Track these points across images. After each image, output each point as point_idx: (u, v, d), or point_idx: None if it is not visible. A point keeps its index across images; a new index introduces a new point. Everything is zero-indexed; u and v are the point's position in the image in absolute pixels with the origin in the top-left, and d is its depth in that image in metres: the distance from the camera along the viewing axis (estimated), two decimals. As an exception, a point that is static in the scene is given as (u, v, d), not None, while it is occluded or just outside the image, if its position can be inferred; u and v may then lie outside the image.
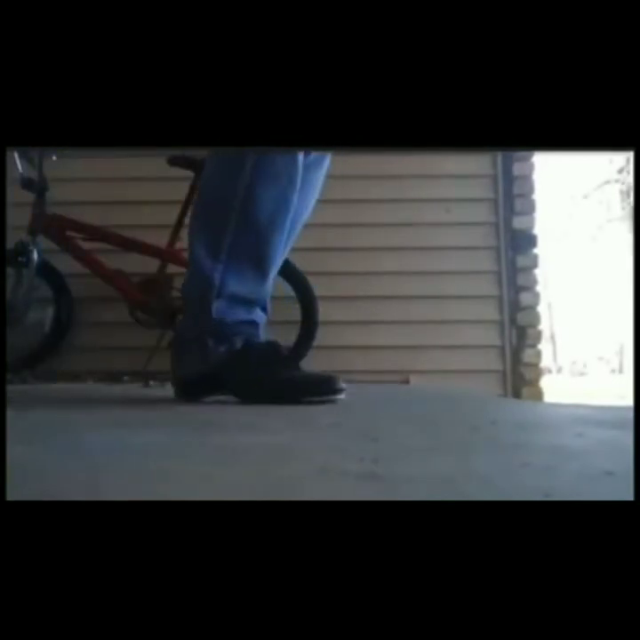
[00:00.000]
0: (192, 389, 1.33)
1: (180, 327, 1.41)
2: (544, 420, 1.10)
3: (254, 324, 1.33)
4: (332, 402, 1.22)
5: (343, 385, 1.24)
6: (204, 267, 1.29)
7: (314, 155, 1.44)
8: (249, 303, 1.32)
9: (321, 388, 1.23)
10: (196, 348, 1.30)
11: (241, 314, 1.31)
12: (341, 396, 1.24)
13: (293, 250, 1.65)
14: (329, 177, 1.58)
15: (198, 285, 1.31)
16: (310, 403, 1.20)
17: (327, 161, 1.51)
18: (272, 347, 1.30)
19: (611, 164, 14.77)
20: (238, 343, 1.29)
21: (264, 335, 1.53)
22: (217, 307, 1.28)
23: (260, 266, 1.32)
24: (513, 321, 3.03)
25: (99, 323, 2.96)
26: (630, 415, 1.06)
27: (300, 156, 1.31)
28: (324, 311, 2.76)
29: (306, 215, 1.51)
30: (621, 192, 14.74)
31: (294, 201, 1.32)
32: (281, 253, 1.36)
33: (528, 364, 3.01)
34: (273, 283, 1.49)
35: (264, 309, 1.48)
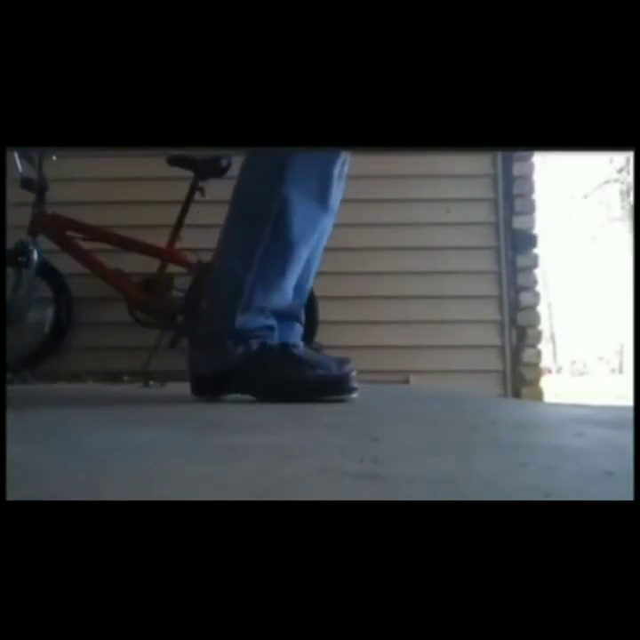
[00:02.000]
0: (209, 387, 1.37)
1: (200, 326, 1.44)
2: (544, 420, 1.10)
3: (271, 328, 1.38)
4: (345, 401, 1.28)
5: (356, 384, 1.30)
6: (235, 274, 1.34)
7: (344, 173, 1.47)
8: (270, 312, 1.38)
9: (334, 389, 1.29)
10: (215, 347, 1.34)
11: (261, 321, 1.37)
12: (354, 396, 1.30)
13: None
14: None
15: (227, 291, 1.36)
16: (324, 401, 1.26)
17: (342, 181, 1.52)
18: (286, 348, 1.35)
19: (611, 164, 14.77)
20: (254, 345, 1.34)
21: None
22: (241, 318, 1.33)
23: (285, 279, 1.37)
24: (513, 321, 3.03)
25: (99, 323, 2.97)
26: (630, 415, 1.06)
27: (335, 178, 1.37)
28: (323, 311, 2.76)
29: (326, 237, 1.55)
30: (621, 192, 14.74)
31: (323, 220, 1.39)
32: (301, 267, 1.42)
33: (528, 364, 3.01)
34: (306, 294, 1.54)
35: (300, 321, 1.54)
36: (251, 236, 1.34)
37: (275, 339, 1.38)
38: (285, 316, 1.49)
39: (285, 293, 1.39)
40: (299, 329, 1.58)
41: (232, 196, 1.40)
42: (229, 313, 1.34)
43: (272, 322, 1.38)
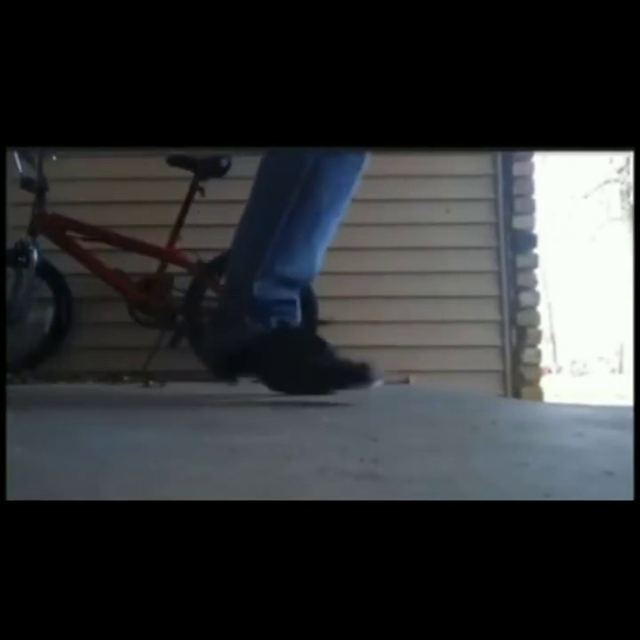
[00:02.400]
0: (227, 367, 1.31)
1: (219, 306, 1.39)
2: (544, 420, 1.10)
3: (293, 303, 1.30)
4: (368, 390, 1.16)
5: (380, 372, 1.18)
6: (254, 242, 1.27)
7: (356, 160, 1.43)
8: (292, 283, 1.30)
9: (356, 377, 1.17)
10: (233, 325, 1.28)
11: (282, 293, 1.28)
12: (378, 384, 1.17)
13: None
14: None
15: (247, 258, 1.29)
16: (343, 389, 1.16)
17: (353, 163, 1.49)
18: (306, 332, 1.29)
19: (611, 164, 14.78)
20: (274, 323, 1.26)
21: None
22: (260, 285, 1.25)
23: (311, 247, 1.28)
24: (513, 321, 3.03)
25: (99, 323, 2.97)
26: (630, 415, 1.06)
27: (367, 153, 1.30)
28: (324, 311, 2.76)
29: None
30: (621, 192, 14.74)
31: (354, 189, 1.31)
32: (330, 238, 1.33)
33: (528, 363, 3.01)
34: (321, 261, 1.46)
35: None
36: (275, 205, 1.26)
37: (296, 316, 1.30)
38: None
39: (311, 264, 1.30)
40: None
41: (257, 174, 1.32)
42: (247, 283, 1.25)
43: (294, 295, 1.30)
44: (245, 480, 0.51)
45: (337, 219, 1.31)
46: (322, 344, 1.24)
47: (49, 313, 2.83)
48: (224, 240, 1.58)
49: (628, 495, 0.43)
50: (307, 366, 1.19)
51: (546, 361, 3.40)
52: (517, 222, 3.07)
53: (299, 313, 1.31)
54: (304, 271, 1.30)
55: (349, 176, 1.29)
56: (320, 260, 1.32)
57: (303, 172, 1.24)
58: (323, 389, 1.17)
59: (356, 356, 1.20)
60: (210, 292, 2.66)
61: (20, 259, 2.62)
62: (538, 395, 3.00)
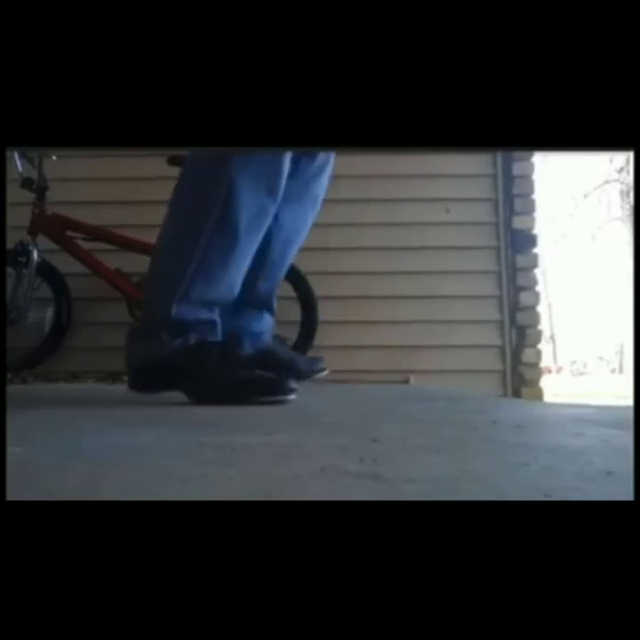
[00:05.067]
0: (143, 380, 1.33)
1: (137, 317, 1.42)
2: (544, 420, 1.10)
3: (213, 323, 1.34)
4: (283, 402, 1.22)
5: (294, 385, 1.25)
6: (174, 264, 1.30)
7: (313, 166, 1.47)
8: (211, 305, 1.33)
9: (269, 389, 1.24)
10: (150, 339, 1.30)
11: (201, 314, 1.32)
12: (292, 397, 1.24)
13: (293, 249, 1.67)
14: (329, 177, 1.59)
15: (166, 281, 1.32)
16: (260, 403, 1.20)
17: (327, 173, 1.54)
18: (225, 346, 1.32)
19: (611, 164, 14.77)
20: (192, 339, 1.29)
21: (270, 336, 1.59)
22: (178, 308, 1.29)
23: (229, 271, 1.33)
24: (513, 321, 3.03)
25: (99, 323, 2.96)
26: (630, 415, 1.06)
27: (285, 168, 1.33)
28: (323, 311, 2.76)
29: (306, 228, 1.54)
30: (621, 192, 14.73)
31: (273, 211, 1.34)
32: (249, 259, 1.37)
33: (528, 363, 3.00)
34: (275, 284, 1.53)
35: (270, 311, 1.53)
36: (193, 226, 1.29)
37: (217, 335, 1.33)
38: (253, 306, 1.49)
39: (230, 286, 1.34)
40: (268, 319, 1.59)
41: (174, 189, 1.35)
42: (166, 302, 1.29)
43: (214, 316, 1.33)
44: (245, 480, 0.51)
45: (256, 239, 1.35)
46: (237, 359, 1.31)
47: (49, 313, 2.83)
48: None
49: (628, 495, 0.43)
50: (224, 381, 1.24)
51: (546, 361, 3.40)
52: (517, 222, 3.07)
53: (218, 331, 1.34)
54: (223, 293, 1.34)
55: (265, 199, 1.32)
56: (239, 281, 1.36)
57: (219, 195, 1.27)
58: (238, 401, 1.20)
59: (268, 373, 1.28)
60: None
61: (19, 259, 2.62)
62: (538, 395, 2.99)
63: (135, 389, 1.34)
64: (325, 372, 1.72)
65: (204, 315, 1.32)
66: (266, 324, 1.59)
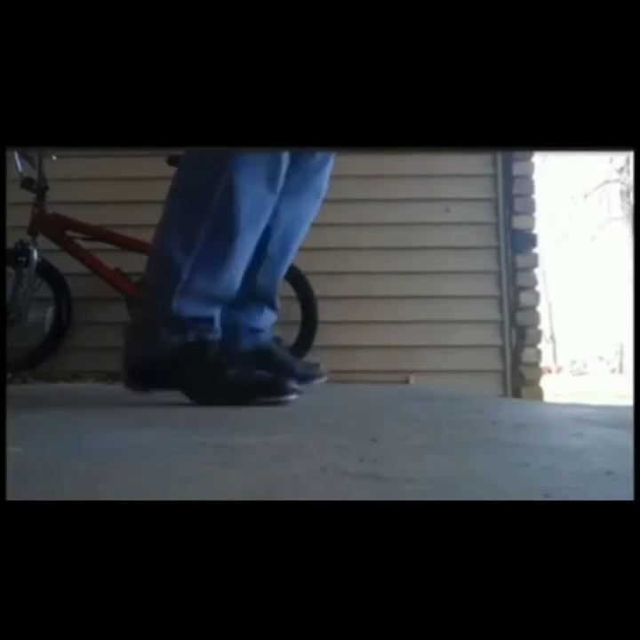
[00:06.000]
0: (139, 378, 1.30)
1: (136, 314, 1.40)
2: (544, 420, 1.10)
3: (211, 320, 1.31)
4: (283, 403, 1.20)
5: (294, 385, 1.23)
6: (173, 258, 1.28)
7: (313, 161, 1.46)
8: (212, 301, 1.31)
9: (270, 390, 1.22)
10: (148, 334, 1.28)
11: (200, 310, 1.29)
12: (293, 397, 1.22)
13: (293, 249, 1.66)
14: (329, 177, 1.59)
15: (165, 275, 1.30)
16: (260, 404, 1.18)
17: (328, 168, 1.53)
18: (223, 345, 1.29)
19: (611, 164, 14.77)
20: (191, 337, 1.27)
21: (271, 333, 1.58)
22: (178, 302, 1.26)
23: (229, 265, 1.31)
24: (513, 321, 3.03)
25: (98, 323, 2.96)
26: (630, 415, 1.06)
27: (285, 160, 1.32)
28: (323, 311, 2.76)
29: (307, 223, 1.53)
30: (621, 192, 14.72)
31: (273, 202, 1.33)
32: (250, 254, 1.35)
33: (528, 363, 3.00)
34: (276, 279, 1.52)
35: (271, 306, 1.52)
36: (192, 220, 1.28)
37: (216, 331, 1.31)
38: (253, 300, 1.48)
39: (230, 281, 1.32)
40: (269, 314, 1.58)
41: (171, 187, 1.34)
42: (166, 297, 1.26)
43: (213, 313, 1.31)
44: (245, 480, 0.51)
45: (256, 234, 1.33)
46: (237, 358, 1.28)
47: (49, 313, 2.83)
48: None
49: (628, 495, 0.43)
50: (222, 379, 1.22)
51: (546, 361, 3.40)
52: (517, 222, 3.07)
53: (218, 328, 1.32)
54: (224, 289, 1.32)
55: (264, 191, 1.30)
56: (239, 276, 1.34)
57: (219, 189, 1.26)
58: (237, 401, 1.19)
59: (267, 373, 1.27)
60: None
61: (19, 259, 2.62)
62: (538, 395, 3.00)
63: (131, 388, 1.31)
64: (323, 379, 1.70)
65: (203, 311, 1.30)
66: (266, 320, 1.58)
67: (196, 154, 1.31)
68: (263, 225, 1.34)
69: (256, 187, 1.28)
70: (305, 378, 1.61)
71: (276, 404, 1.20)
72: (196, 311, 1.29)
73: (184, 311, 1.27)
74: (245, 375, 1.24)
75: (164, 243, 1.32)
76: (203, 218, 1.27)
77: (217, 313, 1.33)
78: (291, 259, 1.61)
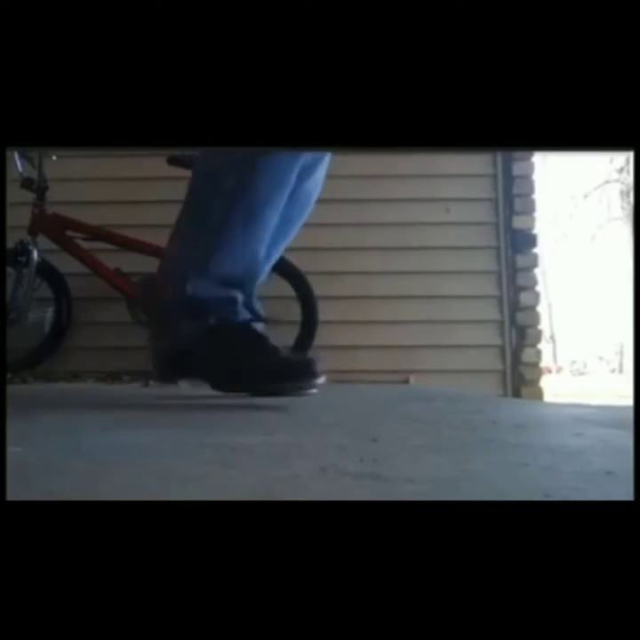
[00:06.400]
0: (167, 369, 1.26)
1: (157, 309, 1.34)
2: (544, 420, 1.10)
3: (232, 300, 1.24)
4: (308, 392, 1.14)
5: (320, 369, 1.16)
6: (191, 238, 1.23)
7: (309, 159, 1.45)
8: (231, 282, 1.25)
9: (296, 374, 1.14)
10: (170, 325, 1.24)
11: (220, 292, 1.23)
12: (321, 380, 1.15)
13: (293, 249, 1.67)
14: (329, 177, 1.58)
15: (182, 258, 1.25)
16: (294, 393, 1.13)
17: (320, 170, 1.52)
18: (246, 327, 1.23)
19: (611, 164, 14.76)
20: (212, 320, 1.21)
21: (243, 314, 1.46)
22: (194, 284, 1.21)
23: (249, 244, 1.24)
24: (513, 321, 3.03)
25: (98, 323, 2.96)
26: (630, 415, 1.06)
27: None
28: (323, 311, 2.76)
29: (294, 226, 1.50)
30: (621, 192, 14.72)
31: (292, 182, 1.26)
32: (271, 236, 1.28)
33: (528, 363, 3.00)
34: (268, 262, 1.45)
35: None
36: (210, 197, 1.22)
37: (238, 313, 1.24)
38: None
39: (252, 261, 1.24)
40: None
41: (192, 173, 1.28)
42: (184, 280, 1.21)
43: (234, 293, 1.24)
44: (245, 480, 0.51)
45: (276, 212, 1.25)
46: (263, 341, 1.19)
47: (49, 313, 2.83)
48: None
49: (628, 495, 0.43)
50: (249, 364, 1.15)
51: (546, 361, 3.40)
52: (517, 222, 3.07)
53: (241, 310, 1.24)
54: (243, 269, 1.25)
55: (286, 168, 1.23)
56: (263, 258, 1.27)
57: (238, 169, 1.20)
58: (265, 389, 1.13)
59: (296, 355, 1.18)
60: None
61: (19, 259, 2.62)
62: (538, 395, 3.00)
63: (162, 381, 1.28)
64: (322, 379, 1.68)
65: (223, 293, 1.23)
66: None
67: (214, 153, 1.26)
68: (282, 204, 1.26)
69: (276, 163, 1.22)
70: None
71: (307, 392, 1.13)
72: (214, 293, 1.22)
73: (200, 293, 1.21)
74: (272, 359, 1.16)
75: (181, 228, 1.26)
76: (219, 199, 1.20)
77: (238, 294, 1.25)
78: (275, 259, 1.57)
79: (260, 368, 1.14)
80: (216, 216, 1.20)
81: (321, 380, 1.15)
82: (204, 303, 1.21)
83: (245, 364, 1.16)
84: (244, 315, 1.25)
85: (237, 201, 1.20)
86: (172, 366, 1.25)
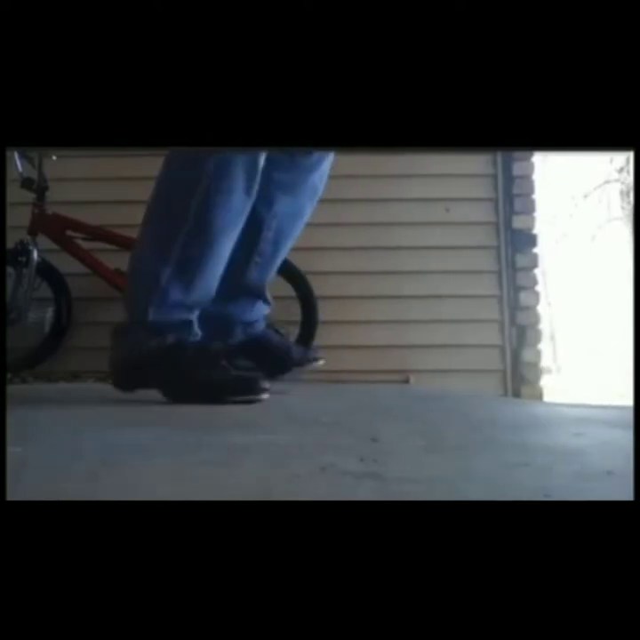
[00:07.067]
0: (124, 378, 1.37)
1: (120, 327, 1.43)
2: (544, 420, 1.10)
3: (189, 323, 1.35)
4: (256, 402, 1.23)
5: (267, 385, 1.26)
6: (151, 267, 1.32)
7: (311, 157, 1.46)
8: (189, 306, 1.35)
9: (241, 389, 1.26)
10: (129, 338, 1.35)
11: (178, 315, 1.34)
12: (265, 396, 1.25)
13: (293, 249, 1.67)
14: (329, 177, 1.58)
15: (143, 284, 1.35)
16: (232, 402, 1.22)
17: (326, 164, 1.53)
18: (201, 347, 1.33)
19: (611, 164, 14.75)
20: (170, 339, 1.32)
21: (263, 323, 1.63)
22: (156, 310, 1.31)
23: (206, 272, 1.34)
24: (513, 321, 3.03)
25: (98, 323, 2.95)
26: (630, 415, 1.06)
27: (260, 166, 1.33)
28: (323, 311, 2.76)
29: (302, 219, 1.54)
30: (621, 192, 14.71)
31: (248, 209, 1.35)
32: (226, 260, 1.38)
33: (528, 363, 3.00)
34: (267, 273, 1.57)
35: (263, 299, 1.58)
36: (169, 228, 1.32)
37: (194, 335, 1.36)
38: (245, 294, 1.52)
39: (207, 287, 1.36)
40: (261, 307, 1.62)
41: (153, 190, 1.38)
42: (144, 306, 1.31)
43: (191, 316, 1.36)
44: (245, 480, 0.51)
45: (231, 241, 1.36)
46: (214, 359, 1.31)
47: (49, 313, 2.83)
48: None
49: (628, 495, 0.43)
50: (199, 380, 1.27)
51: (546, 361, 3.40)
52: (517, 222, 3.06)
53: (197, 331, 1.36)
54: (199, 296, 1.36)
55: (243, 196, 1.33)
56: (215, 283, 1.37)
57: (196, 198, 1.29)
58: (210, 400, 1.22)
59: (245, 372, 1.33)
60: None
61: (20, 259, 2.62)
62: (538, 395, 2.99)
63: (118, 387, 1.37)
64: (321, 362, 1.72)
65: (182, 315, 1.34)
66: (259, 312, 1.62)
67: (175, 159, 1.35)
68: (239, 230, 1.37)
69: (233, 195, 1.31)
70: (303, 361, 1.65)
71: (248, 402, 1.23)
72: (174, 316, 1.33)
73: (162, 318, 1.32)
74: (219, 375, 1.28)
75: (141, 252, 1.37)
76: (180, 227, 1.30)
77: (195, 316, 1.37)
78: (284, 255, 1.63)
79: (208, 383, 1.27)
80: (177, 247, 1.30)
81: (264, 396, 1.26)
82: (163, 325, 1.32)
83: (195, 378, 1.27)
84: (197, 334, 1.37)
85: (195, 235, 1.30)
86: (130, 376, 1.36)
